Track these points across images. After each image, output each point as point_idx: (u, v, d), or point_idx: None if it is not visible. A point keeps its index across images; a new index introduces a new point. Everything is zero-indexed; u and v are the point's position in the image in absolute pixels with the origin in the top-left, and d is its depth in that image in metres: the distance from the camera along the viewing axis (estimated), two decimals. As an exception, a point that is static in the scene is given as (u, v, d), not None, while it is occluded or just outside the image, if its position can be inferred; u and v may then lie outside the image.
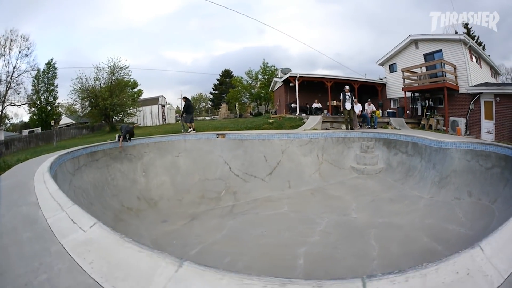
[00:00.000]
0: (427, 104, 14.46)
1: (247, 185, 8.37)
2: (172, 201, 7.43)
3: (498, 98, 11.22)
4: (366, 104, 12.89)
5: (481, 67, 14.10)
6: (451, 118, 13.02)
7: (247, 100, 36.20)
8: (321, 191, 7.78)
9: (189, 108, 11.36)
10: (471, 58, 12.98)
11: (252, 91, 33.88)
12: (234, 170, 8.84)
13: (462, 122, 12.71)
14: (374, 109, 13.03)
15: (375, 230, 5.01)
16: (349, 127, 11.21)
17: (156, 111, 27.14)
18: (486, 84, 12.84)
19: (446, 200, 5.90)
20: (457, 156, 6.82)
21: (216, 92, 49.13)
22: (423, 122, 14.01)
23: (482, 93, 11.95)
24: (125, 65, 21.93)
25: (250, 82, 34.40)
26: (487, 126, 11.87)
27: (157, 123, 26.48)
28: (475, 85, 12.43)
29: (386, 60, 17.57)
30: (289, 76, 16.06)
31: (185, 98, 11.53)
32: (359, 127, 11.74)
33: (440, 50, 13.48)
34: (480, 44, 26.01)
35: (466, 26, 26.09)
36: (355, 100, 12.23)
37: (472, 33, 26.98)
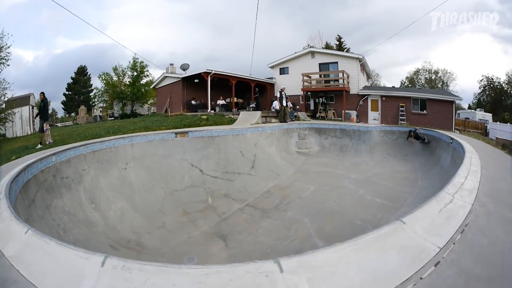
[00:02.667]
0: (320, 101, 17.76)
1: (236, 183, 7.36)
2: (155, 231, 5.10)
3: (384, 98, 16.37)
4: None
5: (363, 75, 19.07)
6: (345, 111, 16.53)
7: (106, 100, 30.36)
8: (304, 172, 9.03)
9: (46, 108, 8.42)
10: (361, 69, 17.58)
11: (121, 88, 28.59)
12: (208, 172, 7.41)
13: (354, 113, 16.54)
14: (291, 105, 14.92)
15: (362, 182, 7.62)
16: (282, 121, 12.71)
17: (27, 114, 19.02)
18: (373, 87, 17.66)
19: (379, 159, 10.05)
20: (376, 134, 11.03)
21: (70, 93, 39.43)
22: (322, 114, 17.18)
23: (370, 94, 16.46)
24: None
25: (116, 79, 28.65)
26: (373, 115, 16.63)
27: (28, 131, 18.58)
28: (363, 88, 17.29)
29: (278, 64, 20.15)
30: (203, 72, 15.52)
31: (42, 95, 8.35)
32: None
33: (337, 62, 17.55)
34: (343, 47, 34.10)
35: (339, 39, 33.99)
36: (288, 98, 14.20)
37: (344, 43, 34.94)
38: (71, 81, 39.51)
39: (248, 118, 11.75)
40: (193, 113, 14.85)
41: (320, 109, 17.60)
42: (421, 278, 1.62)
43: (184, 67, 18.82)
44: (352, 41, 33.00)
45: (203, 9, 72.92)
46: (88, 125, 17.40)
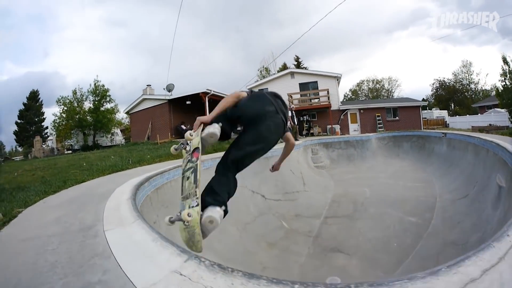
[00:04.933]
0: (305, 119, 19.48)
1: (299, 202, 7.86)
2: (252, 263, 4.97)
3: (362, 110, 19.14)
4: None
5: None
6: (329, 126, 18.50)
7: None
8: (342, 181, 10.05)
9: None
10: (338, 85, 20.06)
11: (82, 115, 25.52)
12: (270, 196, 7.78)
13: (337, 127, 18.59)
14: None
15: (392, 177, 9.53)
16: (295, 138, 13.54)
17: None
18: (351, 102, 20.22)
19: (382, 161, 12.30)
20: (374, 141, 13.40)
21: (22, 121, 34.69)
22: (311, 131, 18.86)
23: (349, 108, 18.93)
24: None
25: (76, 105, 25.43)
26: (353, 127, 19.18)
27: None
28: (342, 103, 20.09)
29: (257, 85, 21.52)
30: (201, 92, 15.15)
31: None
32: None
33: (316, 81, 19.74)
34: (301, 66, 37.05)
35: (297, 59, 36.79)
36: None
37: (301, 61, 37.88)
38: (23, 107, 35.10)
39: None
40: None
41: (306, 126, 19.22)
42: None
43: (170, 88, 17.66)
44: (288, 60, 36.42)
45: (140, 36, 72.12)
46: (55, 159, 14.03)
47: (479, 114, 24.80)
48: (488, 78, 45.99)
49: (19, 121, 34.86)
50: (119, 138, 27.84)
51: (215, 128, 1.90)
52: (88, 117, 24.86)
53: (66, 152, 23.75)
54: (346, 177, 10.39)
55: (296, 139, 13.30)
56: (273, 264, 5.09)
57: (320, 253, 5.42)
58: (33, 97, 36.33)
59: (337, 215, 7.09)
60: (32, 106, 35.60)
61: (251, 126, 1.94)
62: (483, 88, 40.14)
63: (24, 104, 35.46)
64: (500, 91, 15.32)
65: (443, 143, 10.16)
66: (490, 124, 17.53)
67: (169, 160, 8.54)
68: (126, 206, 2.82)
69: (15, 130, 34.57)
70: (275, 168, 2.98)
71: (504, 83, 14.70)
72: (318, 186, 9.17)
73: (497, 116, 19.98)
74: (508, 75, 14.38)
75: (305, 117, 19.58)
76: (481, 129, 13.73)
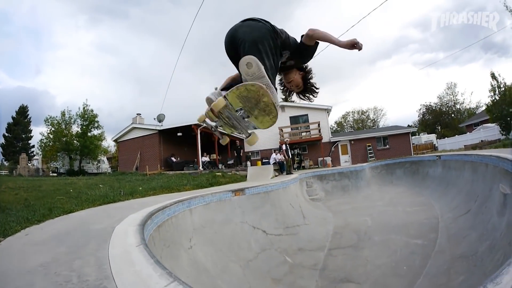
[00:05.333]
0: (296, 152, 19.80)
1: (301, 235, 7.69)
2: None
3: (352, 141, 19.76)
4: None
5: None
6: (320, 158, 18.81)
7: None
8: (340, 212, 9.93)
9: None
10: (328, 118, 20.65)
11: (69, 138, 24.71)
12: (270, 231, 7.61)
13: (329, 159, 18.89)
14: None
15: (389, 204, 9.64)
16: (288, 172, 14.05)
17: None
18: (341, 134, 20.80)
19: (375, 187, 12.82)
20: (367, 170, 13.78)
21: (10, 135, 33.98)
22: (303, 164, 18.98)
23: (340, 140, 19.22)
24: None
25: (63, 127, 24.64)
26: (344, 158, 19.51)
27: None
28: (332, 135, 20.77)
29: None
30: (193, 124, 14.66)
31: None
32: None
33: (307, 114, 20.38)
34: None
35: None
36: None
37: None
38: (12, 120, 34.69)
39: (262, 173, 12.49)
40: (179, 171, 14.03)
41: (297, 159, 19.49)
42: None
43: (160, 118, 17.39)
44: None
45: (130, 64, 74.77)
46: (40, 180, 13.09)
47: (468, 133, 25.53)
48: (473, 96, 47.98)
49: (6, 134, 34.38)
50: (105, 166, 27.26)
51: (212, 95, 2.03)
52: (75, 141, 24.15)
53: (51, 174, 23.31)
54: (343, 208, 10.35)
55: (290, 173, 13.56)
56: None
57: (329, 285, 5.26)
58: (22, 112, 36.17)
59: (341, 246, 6.99)
60: (20, 121, 35.35)
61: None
62: (468, 107, 41.27)
63: (13, 118, 35.19)
64: (489, 106, 15.99)
65: (438, 165, 10.61)
66: (481, 141, 18.22)
67: (163, 193, 8.33)
68: (141, 256, 2.15)
69: (2, 143, 34.12)
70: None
71: (493, 98, 15.41)
72: (317, 218, 9.07)
73: (486, 132, 20.58)
74: (497, 90, 15.15)
75: (296, 150, 19.91)
76: (473, 147, 14.34)
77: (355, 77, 70.79)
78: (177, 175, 12.60)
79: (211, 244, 5.73)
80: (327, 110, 20.46)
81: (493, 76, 15.31)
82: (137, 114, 19.13)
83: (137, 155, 17.36)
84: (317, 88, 2.31)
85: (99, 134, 25.47)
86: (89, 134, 24.69)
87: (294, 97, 2.48)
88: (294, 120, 20.81)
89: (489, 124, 20.10)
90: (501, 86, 15.06)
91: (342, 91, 68.12)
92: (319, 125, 19.02)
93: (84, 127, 24.55)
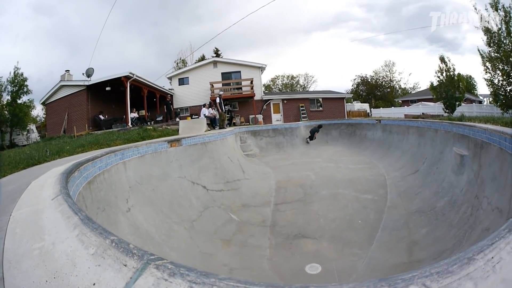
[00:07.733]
0: (227, 109, 19.02)
1: (243, 190, 7.30)
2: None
3: (285, 101, 19.73)
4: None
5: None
6: (252, 116, 18.52)
7: None
8: (280, 167, 9.81)
9: None
10: (260, 75, 20.02)
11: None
12: (211, 187, 6.78)
13: (260, 117, 18.74)
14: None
15: (329, 160, 9.99)
16: (221, 127, 12.98)
17: None
18: (274, 93, 20.55)
19: (310, 146, 13.25)
20: (302, 128, 14.38)
21: None
22: (234, 121, 18.48)
23: (272, 98, 19.21)
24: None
25: None
26: (276, 117, 19.62)
27: None
28: (265, 93, 20.30)
29: (177, 74, 20.06)
30: (123, 76, 13.38)
31: None
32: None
33: (239, 71, 19.40)
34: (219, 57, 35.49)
35: (216, 51, 35.01)
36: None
37: (221, 53, 36.26)
38: None
39: (195, 126, 11.19)
40: (108, 130, 12.47)
41: (227, 116, 18.72)
42: None
43: (89, 73, 15.48)
44: (207, 52, 35.80)
45: (61, 25, 60.45)
46: None
47: (406, 107, 27.79)
48: (411, 77, 51.68)
49: None
50: (34, 135, 23.65)
51: None
52: (5, 112, 21.52)
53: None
54: (281, 163, 10.32)
55: (223, 127, 12.66)
56: (238, 263, 4.33)
57: (284, 242, 4.96)
58: None
59: (287, 201, 6.82)
60: None
61: None
62: (405, 86, 44.84)
63: None
64: (434, 85, 17.73)
65: (377, 129, 11.43)
66: (423, 113, 20.11)
67: (92, 150, 7.48)
68: (58, 215, 1.37)
69: None
70: None
71: (439, 78, 17.04)
72: (258, 173, 8.70)
73: (426, 108, 22.65)
74: (444, 72, 16.67)
75: (227, 107, 19.05)
76: (415, 117, 15.98)
77: (287, 44, 71.29)
78: (106, 133, 11.55)
79: (151, 204, 4.95)
80: (261, 68, 20.00)
81: (442, 59, 16.90)
82: (66, 71, 16.58)
83: (65, 116, 15.53)
84: None
85: (29, 100, 22.96)
86: (18, 101, 22.12)
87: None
88: (226, 76, 19.67)
89: (428, 102, 22.48)
90: (450, 69, 16.55)
91: (272, 56, 68.01)
92: (251, 82, 18.37)
93: (14, 94, 22.02)
